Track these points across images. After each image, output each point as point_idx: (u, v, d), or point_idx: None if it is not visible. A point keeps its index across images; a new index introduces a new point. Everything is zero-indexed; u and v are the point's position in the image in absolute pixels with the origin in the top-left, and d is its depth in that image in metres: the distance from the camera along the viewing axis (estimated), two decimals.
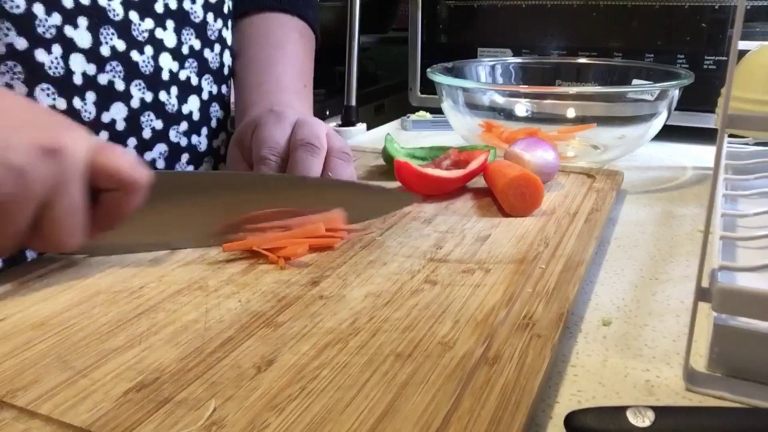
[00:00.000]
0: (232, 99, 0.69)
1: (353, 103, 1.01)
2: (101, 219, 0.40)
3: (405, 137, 0.93)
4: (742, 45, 0.70)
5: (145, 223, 0.44)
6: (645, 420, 0.28)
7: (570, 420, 0.29)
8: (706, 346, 0.35)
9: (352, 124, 1.00)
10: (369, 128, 1.02)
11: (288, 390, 0.30)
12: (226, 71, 0.66)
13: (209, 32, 0.62)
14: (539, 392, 0.31)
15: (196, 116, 0.63)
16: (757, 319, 0.33)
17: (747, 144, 0.66)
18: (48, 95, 0.50)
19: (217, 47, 0.64)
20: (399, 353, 0.33)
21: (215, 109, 0.66)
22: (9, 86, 0.48)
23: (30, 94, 0.49)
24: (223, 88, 0.66)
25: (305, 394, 0.30)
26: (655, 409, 0.28)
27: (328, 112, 1.32)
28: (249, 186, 0.48)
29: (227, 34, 0.66)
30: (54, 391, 0.30)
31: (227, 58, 0.66)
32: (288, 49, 0.68)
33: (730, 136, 0.67)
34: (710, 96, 0.77)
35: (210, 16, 0.62)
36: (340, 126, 1.00)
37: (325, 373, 0.32)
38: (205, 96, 0.63)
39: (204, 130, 0.65)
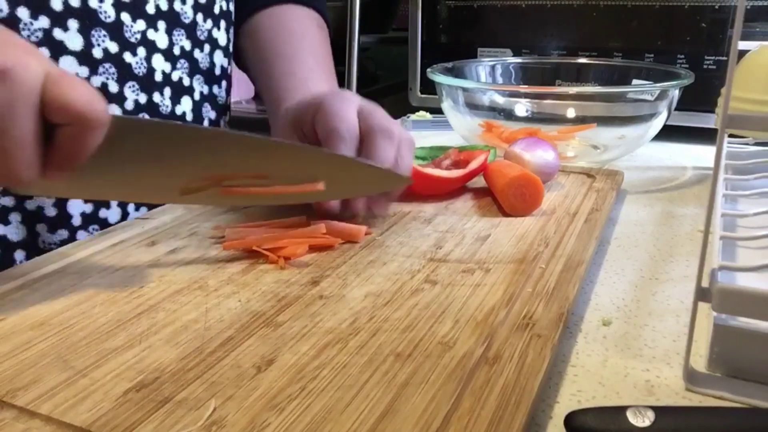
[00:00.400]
0: (233, 98, 0.69)
1: None
2: (57, 156, 0.37)
3: None
4: (742, 45, 0.70)
5: (106, 168, 0.40)
6: (645, 420, 0.28)
7: (570, 420, 0.29)
8: (706, 346, 0.35)
9: None
10: None
11: (288, 390, 0.30)
12: (217, 71, 0.66)
13: (198, 33, 0.62)
14: (539, 392, 0.31)
15: (189, 117, 0.63)
16: (757, 319, 0.33)
17: (747, 144, 0.66)
18: None
19: (207, 47, 0.64)
20: (399, 353, 0.33)
21: (207, 110, 0.66)
22: None
23: None
24: (215, 89, 0.66)
25: (305, 394, 0.30)
26: (655, 409, 0.28)
27: None
28: (226, 145, 0.44)
29: (218, 35, 0.66)
30: (54, 390, 0.30)
31: (218, 59, 0.66)
32: (311, 40, 0.68)
33: (730, 136, 0.67)
34: (710, 96, 0.77)
35: (200, 17, 0.62)
36: None
37: (325, 373, 0.32)
38: (197, 97, 0.63)
39: None
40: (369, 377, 0.31)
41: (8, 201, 0.52)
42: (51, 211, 0.54)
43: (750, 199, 0.49)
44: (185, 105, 0.62)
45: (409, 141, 0.53)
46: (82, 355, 0.33)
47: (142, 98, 0.57)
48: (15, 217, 0.53)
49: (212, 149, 0.42)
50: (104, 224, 0.57)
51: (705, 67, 0.87)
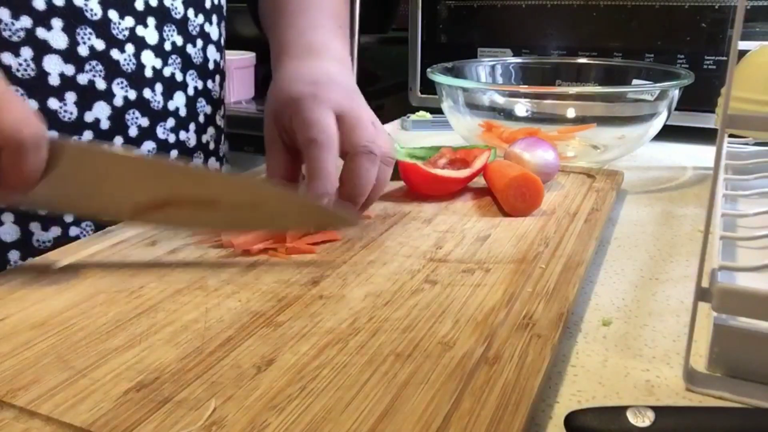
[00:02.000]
0: (234, 98, 0.69)
1: None
2: (3, 179, 0.37)
3: (405, 137, 0.93)
4: (742, 45, 0.70)
5: (57, 187, 0.41)
6: (645, 420, 0.28)
7: (570, 420, 0.29)
8: (706, 346, 0.35)
9: None
10: None
11: (288, 390, 0.30)
12: (211, 66, 0.66)
13: (190, 28, 0.62)
14: (539, 392, 0.31)
15: (182, 112, 0.63)
16: (757, 319, 0.33)
17: (747, 144, 0.66)
18: None
19: (200, 42, 0.64)
20: (399, 353, 0.33)
21: (202, 105, 0.66)
22: None
23: None
24: (209, 83, 0.66)
25: (305, 394, 0.30)
26: (655, 409, 0.28)
27: None
28: (168, 175, 0.43)
29: (210, 29, 0.66)
30: (54, 390, 0.30)
31: (211, 53, 0.66)
32: None
33: (730, 136, 0.67)
34: (710, 96, 0.77)
35: (191, 12, 0.62)
36: None
37: (325, 373, 0.32)
38: (190, 92, 0.64)
39: (192, 126, 0.65)
40: (369, 377, 0.31)
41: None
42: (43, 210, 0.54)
43: (750, 199, 0.49)
44: (178, 100, 0.62)
45: (388, 156, 0.51)
46: (82, 355, 0.33)
47: (132, 94, 0.57)
48: (8, 218, 0.53)
49: (155, 177, 0.43)
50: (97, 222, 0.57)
51: (705, 67, 0.87)
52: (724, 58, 0.85)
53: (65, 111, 0.53)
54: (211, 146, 0.69)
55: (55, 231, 0.55)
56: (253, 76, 1.40)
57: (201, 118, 0.66)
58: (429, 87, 1.01)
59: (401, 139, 0.90)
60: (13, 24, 0.49)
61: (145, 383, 0.31)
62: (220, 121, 0.70)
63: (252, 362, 0.33)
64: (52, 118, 0.52)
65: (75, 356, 0.33)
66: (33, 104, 0.51)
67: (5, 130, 0.36)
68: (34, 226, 0.54)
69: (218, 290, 0.41)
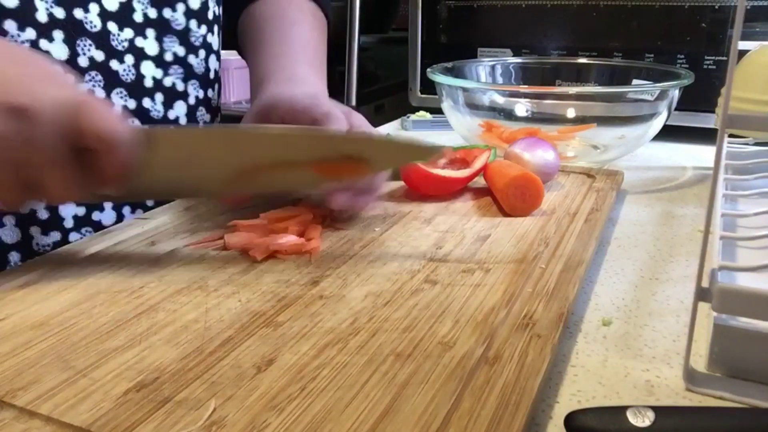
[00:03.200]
0: (234, 98, 0.70)
1: (353, 103, 1.01)
2: (92, 179, 0.39)
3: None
4: (742, 45, 0.70)
5: (151, 174, 0.43)
6: (645, 420, 0.28)
7: (570, 420, 0.29)
8: (706, 346, 0.35)
9: None
10: None
11: (288, 390, 0.30)
12: (212, 75, 0.67)
13: (192, 39, 0.63)
14: (539, 392, 0.31)
15: (183, 121, 0.63)
16: (757, 319, 0.33)
17: (747, 144, 0.66)
18: None
19: (202, 53, 0.64)
20: (399, 353, 0.33)
21: (202, 113, 0.66)
22: None
23: None
24: (209, 92, 0.67)
25: (305, 394, 0.30)
26: (655, 409, 0.28)
27: None
28: (260, 141, 0.45)
29: (212, 40, 0.66)
30: (54, 390, 0.30)
31: (213, 63, 0.67)
32: (304, 27, 0.68)
33: (730, 136, 0.67)
34: (710, 96, 0.77)
35: (193, 23, 0.62)
36: None
37: (325, 373, 0.32)
38: (192, 101, 0.64)
39: None
40: (369, 377, 0.31)
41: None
42: (43, 214, 0.54)
43: (750, 199, 0.49)
44: (178, 110, 0.62)
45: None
46: (82, 355, 0.33)
47: (131, 104, 0.58)
48: (9, 220, 0.53)
49: (236, 146, 0.45)
50: (97, 227, 0.57)
51: (705, 67, 0.87)
52: (724, 58, 0.85)
53: None
54: None
55: (55, 236, 0.55)
56: None
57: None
58: (429, 87, 1.01)
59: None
60: (19, 36, 0.50)
61: (145, 383, 0.31)
62: None
63: (252, 362, 0.33)
64: None
65: (75, 356, 0.33)
66: None
67: (100, 132, 0.37)
68: (35, 230, 0.54)
69: (218, 290, 0.41)
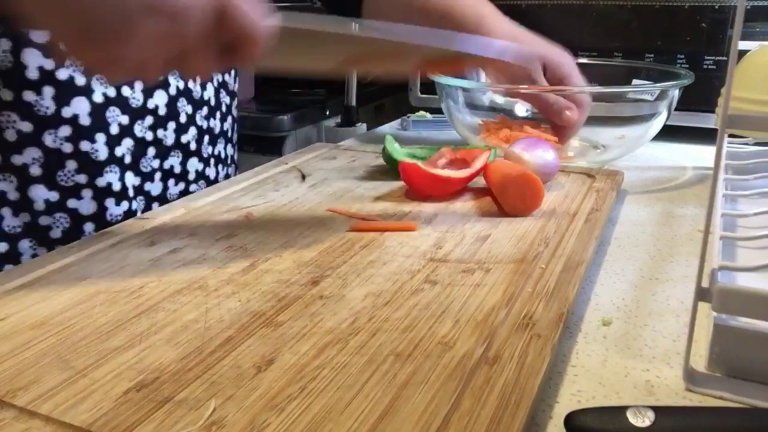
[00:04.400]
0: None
1: (353, 103, 1.01)
2: (235, 59, 0.42)
3: (405, 137, 0.93)
4: (742, 45, 0.70)
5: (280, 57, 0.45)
6: (645, 420, 0.28)
7: (570, 420, 0.29)
8: (706, 346, 0.35)
9: (352, 124, 1.00)
10: (369, 128, 1.02)
11: (288, 390, 0.30)
12: None
13: None
14: (539, 392, 0.31)
15: (162, 111, 0.64)
16: (757, 319, 0.33)
17: (747, 144, 0.66)
18: None
19: None
20: (399, 353, 0.33)
21: (183, 104, 0.66)
22: None
23: None
24: (190, 83, 0.67)
25: (305, 394, 0.30)
26: (655, 409, 0.28)
27: (328, 112, 1.31)
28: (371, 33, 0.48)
29: None
30: (54, 390, 0.30)
31: None
32: None
33: (730, 136, 0.67)
34: (710, 96, 0.77)
35: None
36: (339, 126, 1.00)
37: (325, 373, 0.32)
38: (172, 91, 0.64)
39: (171, 125, 0.65)
40: (369, 377, 0.31)
41: (82, 178, 0.57)
42: (117, 185, 0.60)
43: (750, 199, 0.50)
44: (158, 99, 0.63)
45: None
46: (82, 355, 0.33)
47: (111, 92, 0.58)
48: (87, 193, 0.57)
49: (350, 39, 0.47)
50: (149, 198, 0.63)
51: (705, 67, 0.87)
52: (724, 58, 0.85)
53: (41, 105, 0.54)
54: (192, 146, 0.68)
55: (125, 206, 0.59)
56: (253, 76, 1.40)
57: (182, 118, 0.66)
58: (429, 87, 1.01)
59: (401, 139, 0.90)
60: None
61: (145, 383, 0.31)
62: (201, 122, 0.70)
63: (252, 362, 0.33)
64: (25, 111, 0.53)
65: (75, 356, 0.33)
66: (8, 95, 0.52)
67: (246, 32, 0.39)
68: (109, 202, 0.58)
69: (218, 290, 0.41)
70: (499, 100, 0.74)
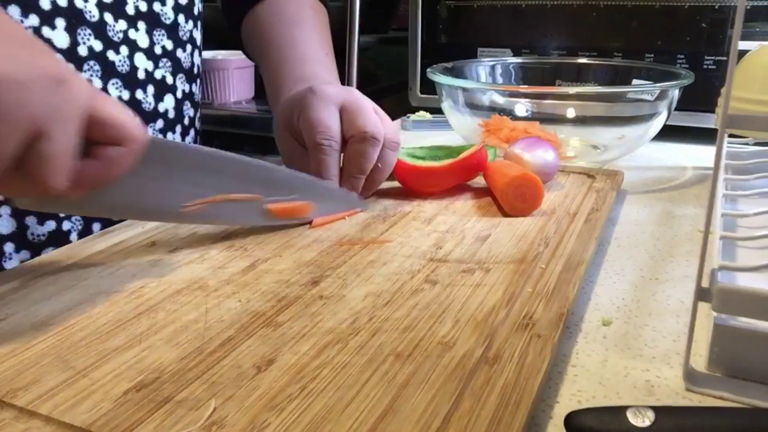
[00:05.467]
0: (234, 98, 0.71)
1: None
2: (92, 173, 0.37)
3: (405, 137, 0.93)
4: (742, 45, 0.70)
5: (128, 187, 0.42)
6: (645, 420, 0.28)
7: (570, 420, 0.29)
8: (706, 346, 0.35)
9: None
10: None
11: (288, 390, 0.30)
12: (196, 70, 0.68)
13: (180, 33, 0.64)
14: (539, 392, 0.31)
15: (171, 114, 0.64)
16: (757, 319, 0.33)
17: (747, 144, 0.66)
18: None
19: (189, 47, 0.65)
20: (399, 353, 0.33)
21: (187, 108, 0.67)
22: None
23: None
24: (193, 87, 0.68)
25: (305, 394, 0.30)
26: (655, 409, 0.28)
27: None
28: (228, 168, 0.46)
29: (197, 35, 0.67)
30: (54, 391, 0.30)
31: (197, 58, 0.68)
32: (305, 24, 0.69)
33: (730, 136, 0.67)
34: (710, 96, 0.77)
35: (181, 18, 0.63)
36: None
37: (325, 373, 0.32)
38: (179, 95, 0.65)
39: (178, 128, 0.66)
40: (369, 377, 0.31)
41: None
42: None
43: (750, 199, 0.49)
44: (168, 103, 0.63)
45: (393, 141, 0.55)
46: (82, 355, 0.33)
47: (125, 95, 0.59)
48: (5, 210, 0.54)
49: (211, 170, 0.45)
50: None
51: (705, 67, 0.86)
52: (724, 58, 0.85)
53: None
54: None
55: (50, 225, 0.56)
56: (252, 76, 1.40)
57: (186, 121, 0.67)
58: (429, 87, 1.01)
59: (401, 139, 0.90)
60: (22, 22, 0.50)
61: (145, 383, 0.31)
62: (197, 124, 0.71)
63: (252, 362, 0.33)
64: None
65: (75, 356, 0.33)
66: None
67: (125, 127, 0.37)
68: (30, 220, 0.55)
69: (218, 290, 0.41)
70: (499, 100, 0.74)
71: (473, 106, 0.75)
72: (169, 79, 0.63)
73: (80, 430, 0.28)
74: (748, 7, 0.83)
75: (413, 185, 0.60)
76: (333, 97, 0.54)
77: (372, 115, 0.54)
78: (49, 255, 0.46)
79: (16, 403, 0.30)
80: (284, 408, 0.29)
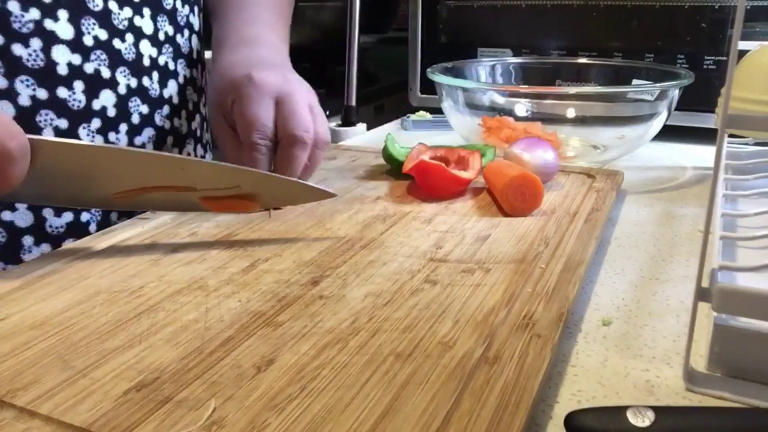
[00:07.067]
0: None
1: (353, 103, 1.01)
2: None
3: (405, 137, 0.93)
4: (742, 45, 0.70)
5: (42, 184, 0.44)
6: (645, 420, 0.28)
7: (570, 420, 0.29)
8: (706, 346, 0.35)
9: (352, 124, 1.00)
10: (369, 128, 1.02)
11: (288, 390, 0.30)
12: (195, 55, 0.68)
13: (179, 18, 0.64)
14: (539, 392, 0.31)
15: (175, 100, 0.64)
16: (757, 319, 0.33)
17: (747, 144, 0.66)
18: (27, 86, 0.51)
19: (186, 32, 0.66)
20: (399, 353, 0.33)
21: (190, 93, 0.67)
22: None
23: (11, 87, 0.50)
24: (194, 72, 0.68)
25: (305, 394, 0.30)
26: (655, 409, 0.28)
27: (328, 112, 1.31)
28: (150, 164, 0.47)
29: (194, 20, 0.68)
30: (54, 390, 0.30)
31: (195, 43, 0.68)
32: None
33: (730, 136, 0.67)
34: (710, 96, 0.77)
35: (179, 3, 0.64)
36: (339, 126, 1.00)
37: (325, 373, 0.32)
38: (181, 80, 0.65)
39: (183, 113, 0.66)
40: (369, 377, 0.31)
41: None
42: None
43: (750, 199, 0.50)
44: (171, 88, 0.64)
45: (323, 140, 0.56)
46: (82, 355, 0.33)
47: (133, 83, 0.59)
48: (22, 204, 0.54)
49: (138, 167, 0.46)
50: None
51: (705, 67, 0.86)
52: (724, 58, 0.85)
53: (74, 99, 0.54)
54: (198, 133, 0.70)
55: (68, 216, 0.57)
56: None
57: (190, 106, 0.68)
58: (429, 87, 1.01)
59: (401, 139, 0.90)
60: (22, 16, 0.50)
61: (145, 383, 0.31)
62: (203, 110, 0.72)
63: (252, 362, 0.33)
64: (62, 107, 0.54)
65: (75, 356, 0.33)
66: (43, 93, 0.52)
67: None
68: (47, 212, 0.55)
69: (218, 290, 0.41)
70: (499, 100, 0.74)
71: (473, 106, 0.75)
72: (171, 65, 0.63)
73: (80, 430, 0.28)
74: (748, 7, 0.83)
75: (442, 191, 0.59)
76: (270, 89, 0.55)
77: (305, 114, 0.55)
78: (49, 255, 0.46)
79: (16, 403, 0.30)
80: (284, 408, 0.29)
